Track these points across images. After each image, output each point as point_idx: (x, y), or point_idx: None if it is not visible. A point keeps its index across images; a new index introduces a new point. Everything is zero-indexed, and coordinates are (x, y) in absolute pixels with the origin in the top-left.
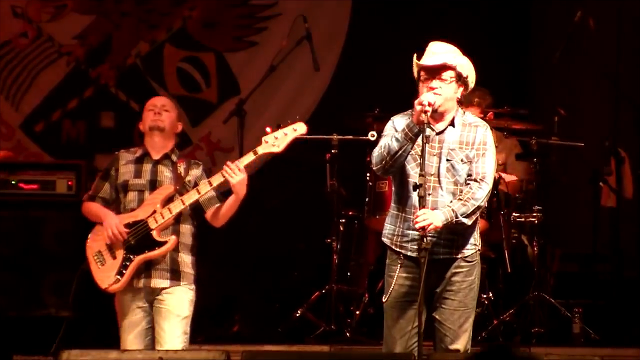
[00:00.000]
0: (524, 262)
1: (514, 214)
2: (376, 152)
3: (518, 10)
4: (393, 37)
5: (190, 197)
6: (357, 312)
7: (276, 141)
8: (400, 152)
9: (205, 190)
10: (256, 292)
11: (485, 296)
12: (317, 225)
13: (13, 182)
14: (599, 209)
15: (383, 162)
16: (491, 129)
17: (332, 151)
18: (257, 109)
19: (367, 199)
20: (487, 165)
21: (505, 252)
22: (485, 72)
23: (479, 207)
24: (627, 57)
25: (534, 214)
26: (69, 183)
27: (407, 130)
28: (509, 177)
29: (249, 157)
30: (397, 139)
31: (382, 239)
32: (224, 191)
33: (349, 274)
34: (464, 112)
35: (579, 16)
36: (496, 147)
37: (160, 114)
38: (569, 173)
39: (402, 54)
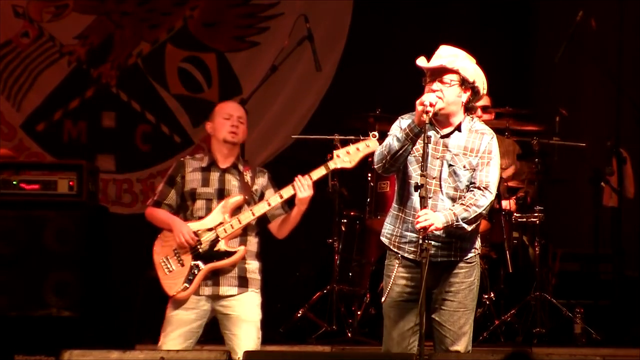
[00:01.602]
0: (525, 262)
1: (515, 214)
2: (378, 151)
3: (519, 10)
4: (394, 37)
5: (260, 209)
6: (359, 313)
7: (348, 156)
8: (401, 151)
9: (276, 202)
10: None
11: (486, 296)
12: (318, 225)
13: (14, 182)
14: (601, 209)
15: (383, 161)
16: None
17: (334, 151)
18: (259, 109)
19: (368, 200)
20: (492, 175)
21: (507, 252)
22: (486, 73)
23: (480, 215)
24: (629, 56)
25: (536, 214)
26: (71, 183)
27: (408, 130)
28: (506, 173)
29: (320, 172)
30: (398, 139)
31: (381, 237)
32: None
33: (350, 274)
34: (473, 119)
35: (581, 16)
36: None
37: (238, 126)
38: (571, 173)
39: (403, 54)
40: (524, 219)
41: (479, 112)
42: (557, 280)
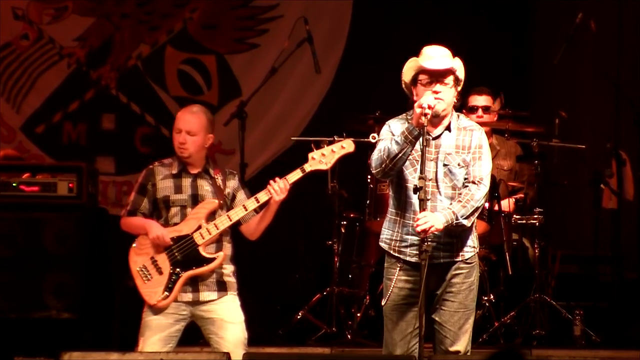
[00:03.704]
0: (525, 264)
1: (515, 216)
2: (375, 156)
3: (519, 12)
4: (394, 39)
5: (237, 214)
6: (358, 315)
7: (324, 158)
8: (400, 155)
9: (253, 207)
10: (257, 294)
11: (486, 298)
12: (318, 227)
13: (14, 185)
14: (600, 211)
15: (383, 165)
16: (492, 133)
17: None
18: (259, 111)
19: (368, 201)
20: (484, 168)
21: (506, 254)
22: (486, 74)
23: (477, 209)
24: (628, 58)
25: (535, 216)
26: (70, 185)
27: (406, 133)
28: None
29: (296, 175)
30: (397, 142)
31: (380, 243)
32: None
33: (350, 276)
34: (459, 116)
35: (580, 18)
36: (498, 150)
37: (185, 142)
38: (570, 175)
39: (403, 56)
40: (524, 221)
41: (480, 112)
42: (556, 282)
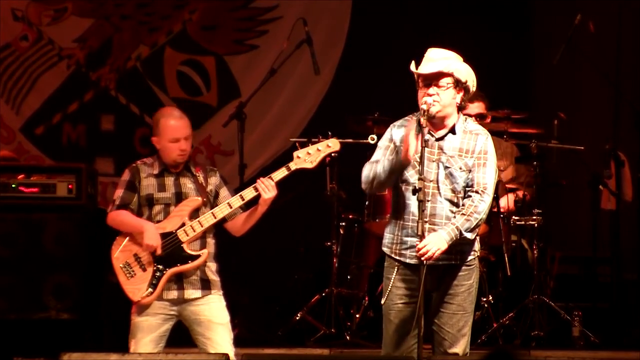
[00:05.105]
0: (523, 265)
1: (513, 217)
2: (365, 172)
3: (518, 13)
4: (393, 41)
5: (222, 211)
6: (357, 316)
7: (309, 157)
8: (387, 181)
9: (238, 204)
10: (256, 295)
11: (485, 299)
12: (317, 228)
13: (13, 186)
14: (599, 212)
15: (371, 184)
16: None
17: (332, 154)
18: (258, 112)
19: (367, 203)
20: (488, 176)
21: (505, 255)
22: (485, 75)
23: (481, 220)
24: (627, 60)
25: (534, 217)
26: (70, 186)
27: (393, 165)
28: (505, 175)
29: (281, 173)
30: (384, 169)
31: (382, 248)
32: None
33: (349, 277)
34: (466, 119)
35: (579, 19)
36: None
37: (186, 149)
38: (569, 176)
39: (402, 57)
40: (523, 222)
41: (473, 120)
42: (555, 283)
